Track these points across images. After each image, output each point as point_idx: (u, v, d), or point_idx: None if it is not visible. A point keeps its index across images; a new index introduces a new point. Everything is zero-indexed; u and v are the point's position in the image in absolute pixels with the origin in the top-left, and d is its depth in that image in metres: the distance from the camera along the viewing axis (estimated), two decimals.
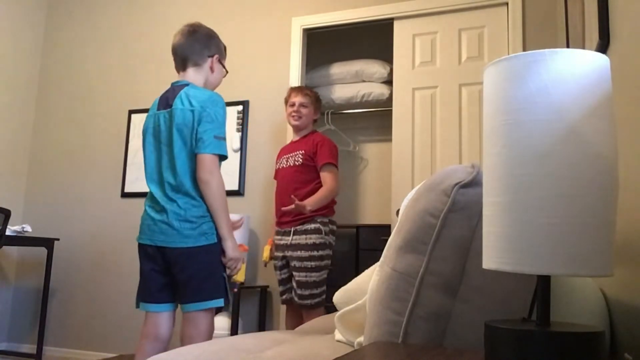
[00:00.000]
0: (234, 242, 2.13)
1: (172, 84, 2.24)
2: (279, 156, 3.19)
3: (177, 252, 2.03)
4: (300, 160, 2.99)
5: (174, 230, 2.03)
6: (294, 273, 2.88)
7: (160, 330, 2.12)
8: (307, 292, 2.82)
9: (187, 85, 2.17)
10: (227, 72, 2.36)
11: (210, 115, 2.07)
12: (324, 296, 2.86)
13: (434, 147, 3.24)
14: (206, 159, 2.04)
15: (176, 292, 2.12)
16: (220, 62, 2.30)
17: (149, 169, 2.17)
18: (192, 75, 2.22)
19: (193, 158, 2.08)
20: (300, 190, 2.93)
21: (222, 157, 2.11)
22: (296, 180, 2.97)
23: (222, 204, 2.07)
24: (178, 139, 2.07)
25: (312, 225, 2.88)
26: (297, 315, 2.99)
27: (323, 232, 2.89)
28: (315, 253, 2.85)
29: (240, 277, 2.18)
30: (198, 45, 2.21)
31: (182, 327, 2.07)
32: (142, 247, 2.13)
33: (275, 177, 3.18)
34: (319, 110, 3.21)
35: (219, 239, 2.10)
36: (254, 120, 3.66)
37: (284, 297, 2.99)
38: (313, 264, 2.84)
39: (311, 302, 2.82)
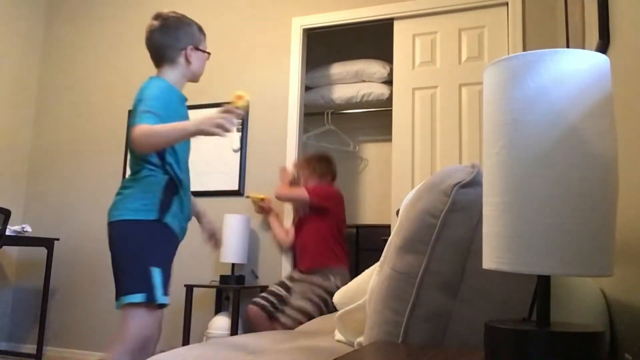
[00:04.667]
0: (203, 127, 1.83)
1: None
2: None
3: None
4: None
5: None
6: (292, 296, 3.02)
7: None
8: (292, 314, 2.94)
9: None
10: (209, 54, 2.22)
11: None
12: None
13: (434, 147, 3.24)
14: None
15: None
16: (198, 48, 2.16)
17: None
18: (168, 72, 2.12)
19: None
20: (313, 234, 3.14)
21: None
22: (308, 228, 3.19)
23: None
24: None
25: (325, 273, 3.03)
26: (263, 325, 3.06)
27: (331, 280, 3.03)
28: (319, 292, 2.99)
29: (239, 102, 1.94)
30: (168, 40, 2.10)
31: None
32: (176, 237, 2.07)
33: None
34: (324, 170, 3.32)
35: (160, 219, 1.94)
36: (254, 120, 3.66)
37: (260, 301, 3.05)
38: (314, 297, 2.98)
39: (286, 322, 2.94)
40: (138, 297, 1.85)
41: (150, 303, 1.86)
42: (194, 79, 2.20)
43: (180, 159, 2.07)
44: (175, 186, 2.02)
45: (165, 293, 1.93)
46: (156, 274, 1.89)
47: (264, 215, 3.46)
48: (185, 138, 1.93)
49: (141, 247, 1.92)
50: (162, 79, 2.08)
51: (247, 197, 3.45)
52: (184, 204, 2.07)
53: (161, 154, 2.01)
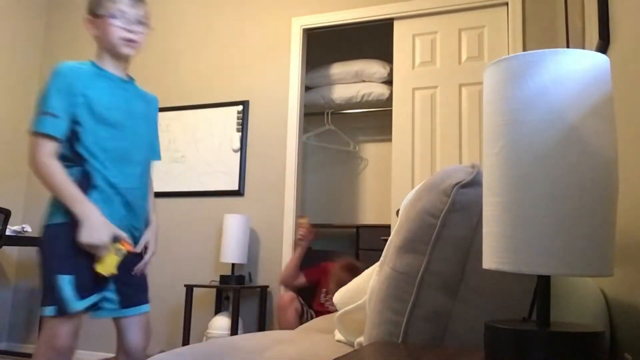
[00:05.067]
0: (89, 223, 1.70)
1: None
2: (317, 282, 3.27)
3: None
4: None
5: None
6: None
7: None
8: None
9: None
10: (110, 17, 1.83)
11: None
12: None
13: (434, 147, 3.24)
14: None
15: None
16: (100, 15, 1.84)
17: None
18: (98, 51, 1.93)
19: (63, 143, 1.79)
20: None
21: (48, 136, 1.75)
22: None
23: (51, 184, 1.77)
24: None
25: None
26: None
27: None
28: None
29: (105, 269, 1.74)
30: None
31: None
32: None
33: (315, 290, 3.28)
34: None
35: (70, 221, 1.73)
36: (254, 120, 3.66)
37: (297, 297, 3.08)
38: None
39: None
40: (50, 311, 1.69)
41: (63, 315, 1.70)
42: (113, 50, 1.88)
43: (109, 152, 1.81)
44: (88, 178, 1.77)
45: (84, 297, 1.73)
46: (64, 282, 1.69)
47: (298, 244, 3.32)
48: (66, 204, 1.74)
49: (48, 256, 1.76)
50: (77, 63, 1.87)
51: (303, 216, 3.39)
52: (112, 201, 1.80)
53: (72, 145, 1.78)
